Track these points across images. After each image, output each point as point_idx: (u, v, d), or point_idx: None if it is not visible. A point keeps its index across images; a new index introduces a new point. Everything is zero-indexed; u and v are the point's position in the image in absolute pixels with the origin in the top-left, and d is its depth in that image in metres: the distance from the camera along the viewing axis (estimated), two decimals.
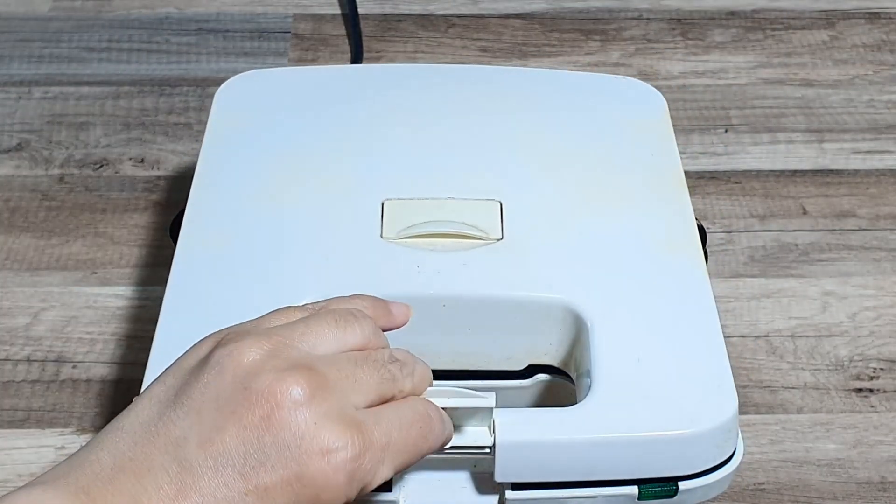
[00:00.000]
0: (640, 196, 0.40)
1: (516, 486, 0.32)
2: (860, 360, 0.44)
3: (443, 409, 0.29)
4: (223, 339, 0.25)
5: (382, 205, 0.38)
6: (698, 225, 0.40)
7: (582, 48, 0.61)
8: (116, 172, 0.52)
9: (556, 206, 0.39)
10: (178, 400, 0.24)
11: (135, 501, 0.22)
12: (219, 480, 0.23)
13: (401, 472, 0.28)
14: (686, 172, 0.41)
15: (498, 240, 0.37)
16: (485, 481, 0.34)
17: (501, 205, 0.38)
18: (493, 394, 0.31)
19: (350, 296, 0.30)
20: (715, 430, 0.32)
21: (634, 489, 0.33)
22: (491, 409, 0.31)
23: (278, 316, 0.27)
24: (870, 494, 0.38)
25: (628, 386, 0.33)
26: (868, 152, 0.54)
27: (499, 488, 0.33)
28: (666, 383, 0.33)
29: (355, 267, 0.36)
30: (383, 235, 0.37)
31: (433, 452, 0.28)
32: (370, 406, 0.26)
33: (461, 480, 0.34)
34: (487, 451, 0.31)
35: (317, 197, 0.39)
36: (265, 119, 0.43)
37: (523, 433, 0.31)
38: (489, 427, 0.31)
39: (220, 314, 0.34)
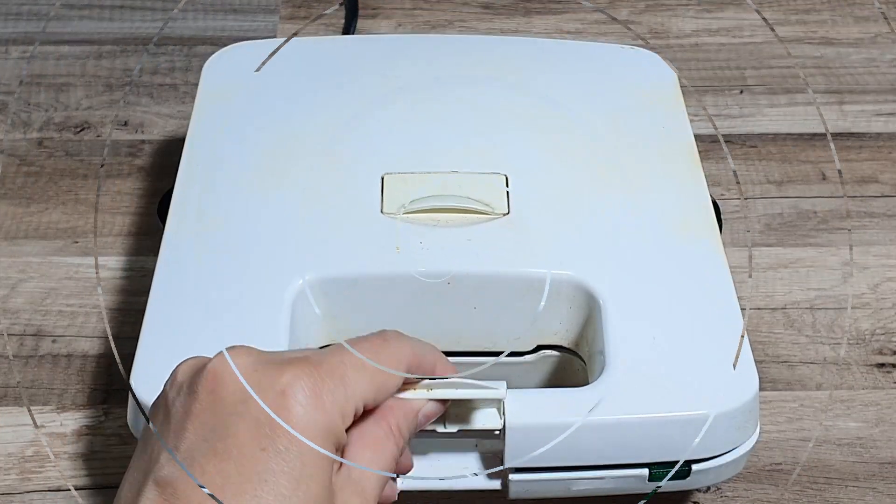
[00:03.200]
0: (652, 169, 0.38)
1: (520, 468, 0.31)
2: (882, 334, 0.42)
3: (451, 400, 0.28)
4: None
5: (382, 179, 0.36)
6: (712, 200, 0.38)
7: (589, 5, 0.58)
8: (98, 136, 0.50)
9: (564, 179, 0.37)
10: (145, 437, 0.25)
11: None
12: (195, 475, 0.23)
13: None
14: (699, 136, 0.39)
15: (504, 214, 0.35)
16: (487, 461, 0.32)
17: (507, 178, 0.36)
18: (504, 384, 0.29)
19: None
20: (735, 412, 0.31)
21: (645, 469, 0.31)
22: (501, 399, 0.29)
23: None
24: (893, 475, 0.37)
25: (643, 366, 0.31)
26: (891, 115, 0.52)
27: (504, 472, 0.31)
28: (683, 363, 0.31)
29: (356, 244, 0.34)
30: (384, 211, 0.35)
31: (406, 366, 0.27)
32: None
33: (462, 461, 0.32)
34: (497, 433, 0.30)
35: (314, 173, 0.37)
36: (256, 94, 0.41)
37: (534, 416, 0.30)
38: (499, 409, 0.30)
39: (213, 293, 0.33)
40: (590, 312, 0.33)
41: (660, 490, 0.32)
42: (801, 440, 0.38)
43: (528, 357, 0.35)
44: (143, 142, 0.50)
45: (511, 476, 0.31)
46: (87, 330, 0.42)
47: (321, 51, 0.43)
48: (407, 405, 0.27)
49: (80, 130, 0.50)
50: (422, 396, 0.27)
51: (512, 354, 0.35)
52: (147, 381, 0.30)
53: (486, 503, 0.34)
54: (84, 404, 0.39)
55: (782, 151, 0.50)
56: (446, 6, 0.58)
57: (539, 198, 0.36)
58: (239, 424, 0.23)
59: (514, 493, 0.31)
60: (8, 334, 0.42)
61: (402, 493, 0.31)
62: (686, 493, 0.36)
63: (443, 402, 0.28)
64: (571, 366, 0.35)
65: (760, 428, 0.32)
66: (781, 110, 0.52)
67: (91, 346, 0.41)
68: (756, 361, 0.40)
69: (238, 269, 0.34)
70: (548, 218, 0.35)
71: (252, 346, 0.25)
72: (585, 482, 0.31)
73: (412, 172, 0.36)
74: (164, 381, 0.26)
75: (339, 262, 0.33)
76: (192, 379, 0.24)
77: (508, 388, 0.29)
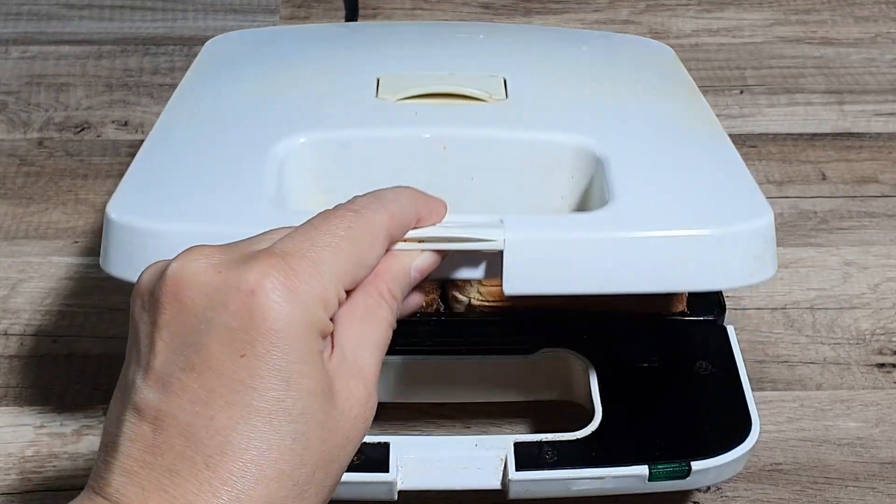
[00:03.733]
0: (652, 84, 0.38)
1: (521, 465, 0.31)
2: (882, 334, 0.41)
3: (445, 251, 0.26)
4: None
5: (378, 79, 0.35)
6: None
7: (589, 5, 0.58)
8: (98, 136, 0.50)
9: (564, 83, 0.36)
10: (125, 363, 0.23)
11: (125, 469, 0.21)
12: (176, 394, 0.21)
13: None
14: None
15: (501, 100, 0.34)
16: (490, 462, 0.32)
17: (505, 80, 0.36)
18: (502, 231, 0.27)
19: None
20: (751, 234, 0.29)
21: (645, 469, 0.31)
22: (500, 250, 0.27)
23: None
24: (893, 475, 0.36)
25: (652, 197, 0.30)
26: (890, 115, 0.52)
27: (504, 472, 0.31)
28: (693, 197, 0.30)
29: (350, 114, 0.33)
30: (379, 96, 0.34)
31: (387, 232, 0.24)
32: None
33: (461, 461, 0.32)
34: (496, 250, 0.27)
35: (311, 82, 0.36)
36: (255, 50, 0.40)
37: (535, 231, 0.27)
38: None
39: (207, 143, 0.32)
40: (591, 180, 0.32)
41: (660, 490, 0.31)
42: (801, 440, 0.38)
43: (528, 357, 0.35)
44: (143, 142, 0.50)
45: (511, 476, 0.31)
46: (87, 330, 0.42)
47: (323, 35, 0.43)
48: (396, 265, 0.24)
49: (80, 130, 0.50)
50: (413, 248, 0.25)
51: (511, 353, 0.35)
52: (125, 210, 0.29)
53: None
54: (84, 404, 0.39)
55: (782, 151, 0.50)
56: (446, 6, 0.58)
57: (538, 92, 0.35)
58: (211, 333, 0.21)
59: (514, 493, 0.31)
60: (8, 334, 0.41)
61: (401, 492, 0.31)
62: (686, 493, 0.36)
63: (439, 250, 0.26)
64: (573, 366, 0.35)
65: (761, 428, 0.32)
66: (781, 110, 0.52)
67: (91, 346, 0.41)
68: (756, 361, 0.40)
69: (232, 130, 0.33)
70: (547, 104, 0.34)
71: (223, 230, 0.23)
72: (585, 482, 0.31)
73: (409, 74, 0.35)
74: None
75: (333, 124, 0.32)
76: (153, 287, 0.22)
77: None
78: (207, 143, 0.32)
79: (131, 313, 0.23)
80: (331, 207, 0.24)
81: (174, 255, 0.23)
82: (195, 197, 0.30)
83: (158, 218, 0.28)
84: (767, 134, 0.51)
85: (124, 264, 0.28)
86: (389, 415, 0.37)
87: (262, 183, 0.30)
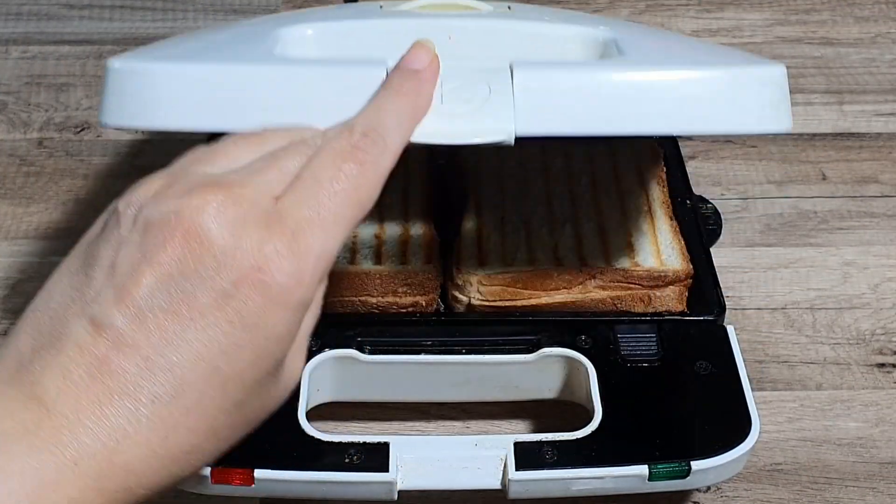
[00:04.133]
0: (658, 26, 0.41)
1: (521, 465, 0.31)
2: (882, 334, 0.41)
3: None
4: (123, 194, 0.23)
5: (381, 5, 0.35)
6: (711, 207, 0.38)
7: (589, 4, 0.58)
8: (99, 136, 0.50)
9: (568, 19, 0.37)
10: (87, 263, 0.23)
11: (63, 372, 0.21)
12: (148, 328, 0.21)
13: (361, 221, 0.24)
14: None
15: (506, 11, 0.35)
16: (489, 462, 0.32)
17: (510, 6, 0.36)
18: (512, 128, 0.26)
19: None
20: (766, 78, 0.28)
21: (645, 469, 0.31)
22: (510, 143, 0.26)
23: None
24: (893, 475, 0.37)
25: (664, 54, 0.30)
26: (891, 115, 0.52)
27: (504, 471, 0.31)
28: (705, 54, 0.31)
29: (352, 17, 0.33)
30: (383, 9, 0.34)
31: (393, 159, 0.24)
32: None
33: (461, 461, 0.32)
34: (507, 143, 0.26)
35: (316, 16, 0.36)
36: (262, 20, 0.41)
37: (546, 72, 0.27)
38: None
39: (212, 36, 0.33)
40: None
41: (660, 490, 0.31)
42: (801, 440, 0.38)
43: (528, 357, 0.35)
44: (143, 142, 0.50)
45: (511, 475, 0.31)
46: None
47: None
48: None
49: (80, 130, 0.50)
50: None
51: (511, 353, 0.35)
52: (126, 60, 0.28)
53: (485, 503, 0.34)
54: None
55: (782, 151, 0.50)
56: None
57: (541, 11, 0.36)
58: (206, 290, 0.21)
59: (513, 492, 0.31)
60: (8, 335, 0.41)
61: (401, 492, 0.31)
62: (686, 493, 0.36)
63: None
64: (573, 366, 0.35)
65: (761, 428, 0.32)
66: None
67: None
68: (756, 361, 0.40)
69: (240, 26, 0.34)
70: (551, 15, 0.35)
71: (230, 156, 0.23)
72: (585, 482, 0.31)
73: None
74: (119, 198, 0.23)
75: (339, 18, 0.33)
76: (157, 217, 0.22)
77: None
78: (215, 33, 0.33)
79: (116, 216, 0.22)
80: (334, 136, 0.23)
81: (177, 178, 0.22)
82: (197, 51, 0.30)
83: (159, 61, 0.28)
84: (767, 134, 0.51)
85: (125, 110, 0.27)
86: (389, 415, 0.37)
87: (266, 45, 0.30)
